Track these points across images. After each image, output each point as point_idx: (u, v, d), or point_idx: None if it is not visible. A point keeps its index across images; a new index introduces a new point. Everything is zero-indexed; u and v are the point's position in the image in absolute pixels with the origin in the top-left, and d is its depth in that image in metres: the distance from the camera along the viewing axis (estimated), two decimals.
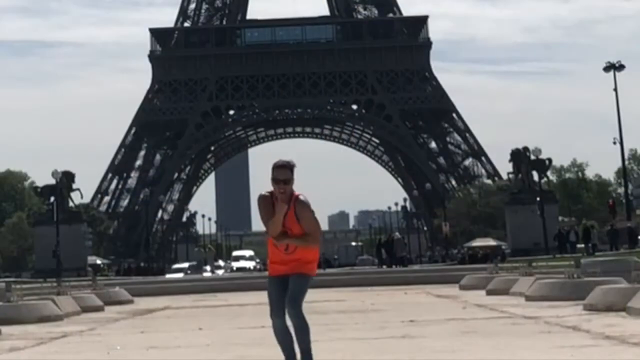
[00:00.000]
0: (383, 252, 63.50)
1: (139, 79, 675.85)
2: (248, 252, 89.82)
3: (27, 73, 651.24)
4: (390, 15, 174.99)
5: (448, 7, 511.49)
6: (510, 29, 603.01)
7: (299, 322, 9.26)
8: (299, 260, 9.36)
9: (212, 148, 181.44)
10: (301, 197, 9.36)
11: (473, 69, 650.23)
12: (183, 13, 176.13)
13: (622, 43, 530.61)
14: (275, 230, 9.31)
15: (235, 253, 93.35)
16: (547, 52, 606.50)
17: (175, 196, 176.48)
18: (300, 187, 9.58)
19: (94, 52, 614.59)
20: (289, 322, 9.43)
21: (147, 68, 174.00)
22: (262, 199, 9.37)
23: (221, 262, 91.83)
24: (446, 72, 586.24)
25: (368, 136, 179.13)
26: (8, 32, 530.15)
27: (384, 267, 60.43)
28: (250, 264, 79.53)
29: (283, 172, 9.22)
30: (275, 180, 9.23)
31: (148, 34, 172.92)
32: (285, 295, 9.28)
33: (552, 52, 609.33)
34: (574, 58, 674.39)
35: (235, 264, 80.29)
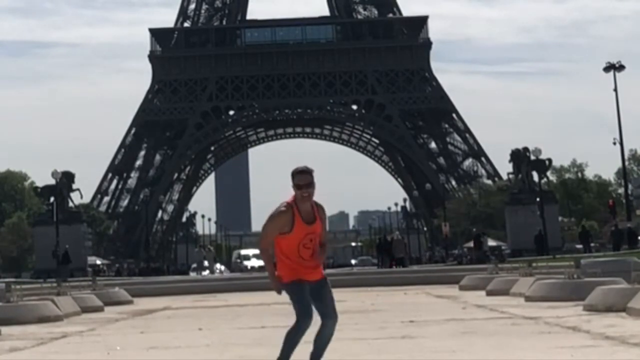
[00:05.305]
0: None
1: (138, 79, 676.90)
2: (253, 251, 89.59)
3: (25, 73, 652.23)
4: (390, 15, 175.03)
5: (444, 7, 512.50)
6: (506, 29, 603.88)
7: (333, 333, 9.75)
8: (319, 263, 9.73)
9: (212, 148, 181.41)
10: (318, 202, 9.66)
11: (470, 69, 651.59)
12: (183, 13, 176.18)
13: (617, 43, 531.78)
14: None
15: (244, 252, 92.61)
16: (543, 52, 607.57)
17: (175, 196, 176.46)
18: None
19: (90, 52, 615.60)
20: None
21: (146, 68, 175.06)
22: (282, 214, 9.41)
23: (218, 266, 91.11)
24: (443, 73, 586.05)
25: (368, 136, 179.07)
26: (3, 32, 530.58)
27: (383, 267, 60.33)
28: (260, 263, 79.29)
29: (304, 177, 9.45)
30: (297, 186, 9.44)
31: (145, 34, 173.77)
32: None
33: (548, 52, 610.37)
34: (570, 58, 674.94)
35: (248, 263, 79.79)
